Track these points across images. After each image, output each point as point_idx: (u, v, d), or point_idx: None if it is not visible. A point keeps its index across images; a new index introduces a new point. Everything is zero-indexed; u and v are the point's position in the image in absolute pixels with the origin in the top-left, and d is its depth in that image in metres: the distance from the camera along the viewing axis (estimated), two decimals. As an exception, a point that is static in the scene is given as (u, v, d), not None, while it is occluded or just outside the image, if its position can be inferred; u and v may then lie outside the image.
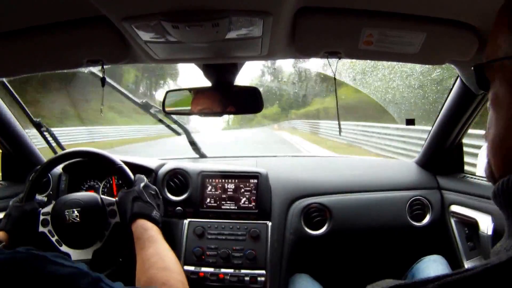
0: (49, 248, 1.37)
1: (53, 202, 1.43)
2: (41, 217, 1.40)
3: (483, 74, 0.61)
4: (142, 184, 1.42)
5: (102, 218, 1.40)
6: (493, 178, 0.59)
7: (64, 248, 1.37)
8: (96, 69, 1.68)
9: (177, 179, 1.87)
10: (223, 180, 1.83)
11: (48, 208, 1.41)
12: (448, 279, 0.44)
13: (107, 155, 1.51)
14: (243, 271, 1.63)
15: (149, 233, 1.23)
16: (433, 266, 1.61)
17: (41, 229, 1.39)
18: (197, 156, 2.40)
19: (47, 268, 0.69)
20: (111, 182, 1.93)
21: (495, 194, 0.54)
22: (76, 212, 1.35)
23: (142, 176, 1.49)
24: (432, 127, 1.90)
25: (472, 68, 0.64)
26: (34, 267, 0.68)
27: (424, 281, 0.46)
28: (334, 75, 1.35)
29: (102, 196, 1.46)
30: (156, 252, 1.14)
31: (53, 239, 1.38)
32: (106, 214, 1.41)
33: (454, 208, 1.82)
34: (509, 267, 0.42)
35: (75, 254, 1.36)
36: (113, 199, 1.44)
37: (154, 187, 1.48)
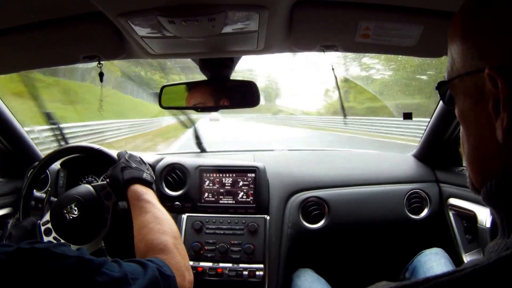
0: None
1: (49, 211, 1.42)
2: (42, 228, 1.39)
3: (448, 91, 0.61)
4: (126, 156, 1.43)
5: (100, 204, 1.40)
6: (475, 189, 0.60)
7: (74, 248, 1.37)
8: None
9: (175, 174, 1.87)
10: (221, 175, 1.83)
11: (46, 217, 1.40)
12: (438, 281, 0.44)
13: (88, 145, 1.53)
14: (241, 265, 1.64)
15: (145, 197, 1.24)
16: (435, 259, 1.60)
17: (46, 239, 1.38)
18: (198, 150, 2.40)
19: (51, 262, 0.70)
20: None
21: (484, 197, 0.55)
22: (74, 206, 1.36)
23: (123, 150, 1.50)
24: (430, 120, 1.90)
25: (435, 87, 0.64)
26: (38, 262, 0.69)
27: (413, 284, 0.46)
28: (332, 68, 1.35)
29: (93, 183, 1.46)
30: (154, 217, 1.15)
31: None
32: (101, 198, 1.41)
33: (452, 201, 1.83)
34: (497, 268, 0.42)
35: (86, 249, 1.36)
36: (104, 182, 1.44)
37: (138, 155, 1.49)
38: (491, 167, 0.54)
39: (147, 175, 1.36)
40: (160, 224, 1.11)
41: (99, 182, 1.47)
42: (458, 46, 0.56)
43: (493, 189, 0.52)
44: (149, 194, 1.27)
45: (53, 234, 1.38)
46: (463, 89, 0.56)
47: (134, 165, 1.38)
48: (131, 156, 1.44)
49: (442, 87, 0.63)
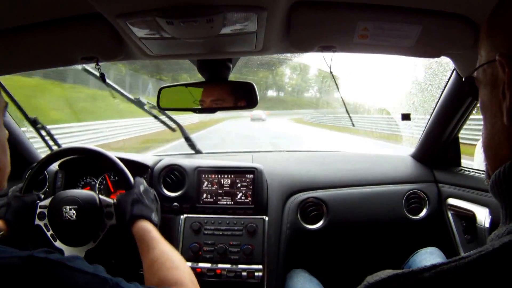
0: (43, 241, 1.38)
1: (51, 199, 1.42)
2: (38, 210, 1.40)
3: (473, 84, 0.65)
4: (141, 188, 1.42)
5: (99, 219, 1.40)
6: (489, 176, 0.62)
7: (58, 244, 1.38)
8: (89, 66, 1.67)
9: (173, 175, 1.86)
10: (219, 176, 1.82)
11: (46, 202, 1.41)
12: (444, 267, 0.46)
13: (106, 153, 1.51)
14: (240, 266, 1.63)
15: (152, 235, 1.23)
16: (430, 258, 1.61)
17: (37, 222, 1.39)
18: (193, 152, 2.39)
19: (65, 276, 0.69)
20: (107, 179, 1.92)
21: (491, 185, 0.57)
22: (73, 210, 1.36)
23: (142, 179, 1.49)
24: (428, 120, 1.90)
25: (463, 79, 0.68)
26: (52, 274, 0.68)
27: (420, 270, 0.48)
28: (330, 69, 1.34)
29: (101, 196, 1.46)
30: (163, 252, 1.14)
31: (48, 233, 1.38)
32: (102, 215, 1.41)
33: (451, 201, 1.83)
34: (502, 253, 0.44)
35: (68, 251, 1.37)
36: (111, 201, 1.44)
37: (153, 191, 1.48)
38: (502, 154, 0.56)
39: (155, 217, 1.35)
40: (170, 259, 1.10)
41: (107, 198, 1.46)
42: (483, 42, 0.62)
43: (501, 177, 0.54)
44: (155, 232, 1.26)
45: (45, 221, 1.39)
46: (483, 79, 0.61)
47: (146, 202, 1.37)
48: (146, 190, 1.44)
49: (468, 80, 0.66)
